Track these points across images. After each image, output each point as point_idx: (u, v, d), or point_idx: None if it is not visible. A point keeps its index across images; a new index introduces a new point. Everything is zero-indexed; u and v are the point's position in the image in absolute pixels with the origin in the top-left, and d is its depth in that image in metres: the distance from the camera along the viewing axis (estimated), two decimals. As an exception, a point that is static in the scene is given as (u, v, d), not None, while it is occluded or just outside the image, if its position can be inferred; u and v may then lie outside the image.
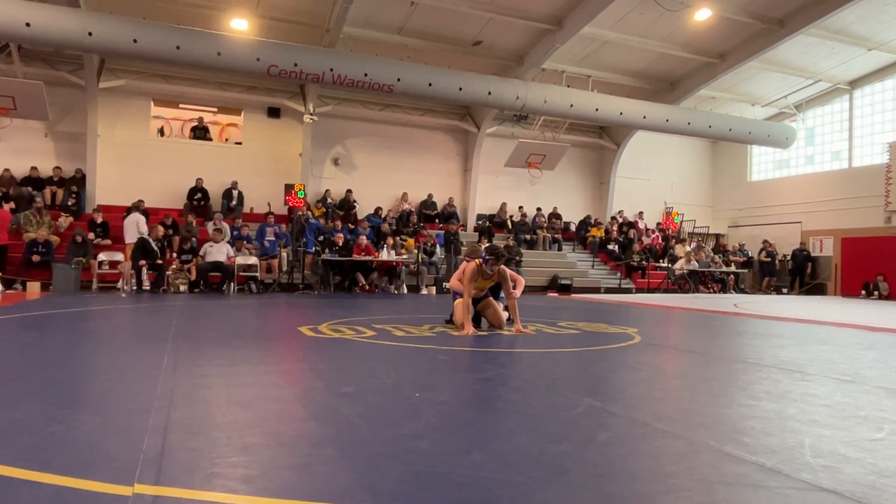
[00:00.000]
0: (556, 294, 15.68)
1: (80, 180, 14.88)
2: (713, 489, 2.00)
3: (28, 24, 11.48)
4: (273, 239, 14.18)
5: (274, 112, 17.03)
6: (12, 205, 13.33)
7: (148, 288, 11.96)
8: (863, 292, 17.56)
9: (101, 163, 15.08)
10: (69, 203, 14.41)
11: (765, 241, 19.98)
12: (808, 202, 20.05)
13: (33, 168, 14.54)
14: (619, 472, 2.15)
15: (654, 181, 21.96)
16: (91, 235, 13.08)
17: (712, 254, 19.32)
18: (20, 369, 3.85)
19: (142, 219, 13.08)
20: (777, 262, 19.67)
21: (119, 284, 12.34)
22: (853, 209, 18.76)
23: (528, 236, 18.49)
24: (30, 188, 14.12)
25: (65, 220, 13.85)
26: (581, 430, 2.66)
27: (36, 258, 12.02)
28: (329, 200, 16.77)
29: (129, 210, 13.76)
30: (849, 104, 19.44)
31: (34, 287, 11.09)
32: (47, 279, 11.63)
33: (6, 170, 14.30)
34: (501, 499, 1.86)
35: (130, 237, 12.77)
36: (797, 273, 19.26)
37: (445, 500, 1.83)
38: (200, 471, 2.03)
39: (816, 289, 19.24)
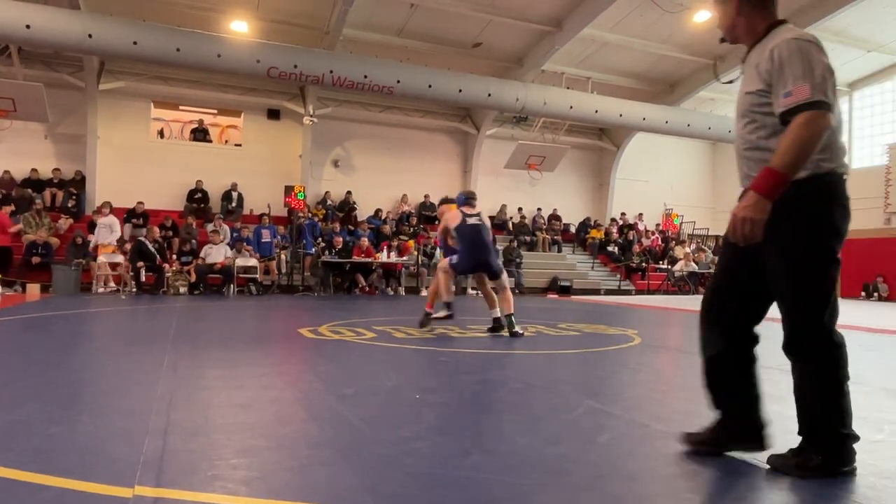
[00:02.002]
0: (555, 296, 15.69)
1: (79, 182, 14.89)
2: (713, 490, 2.00)
3: (28, 26, 11.50)
4: (268, 241, 14.17)
5: (274, 114, 17.04)
6: (12, 207, 13.25)
7: (136, 290, 11.90)
8: (862, 294, 17.57)
9: (100, 165, 15.08)
10: (69, 205, 14.41)
11: None
12: (808, 203, 20.04)
13: (33, 170, 14.55)
14: (620, 473, 2.15)
15: (654, 183, 21.98)
16: (91, 237, 13.07)
17: (712, 255, 19.31)
18: (20, 371, 3.85)
19: (115, 221, 12.81)
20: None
21: (96, 286, 12.13)
22: (853, 210, 18.14)
23: (528, 238, 18.50)
24: (30, 190, 14.12)
25: (64, 222, 13.85)
26: (581, 432, 2.66)
27: (36, 260, 12.02)
28: (329, 202, 16.78)
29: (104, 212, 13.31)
30: (848, 106, 19.44)
31: (34, 289, 11.08)
32: (47, 281, 11.63)
33: (6, 171, 14.30)
34: (502, 500, 1.86)
35: (103, 238, 12.52)
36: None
37: (446, 502, 1.83)
38: (200, 472, 2.03)
39: (816, 290, 19.21)
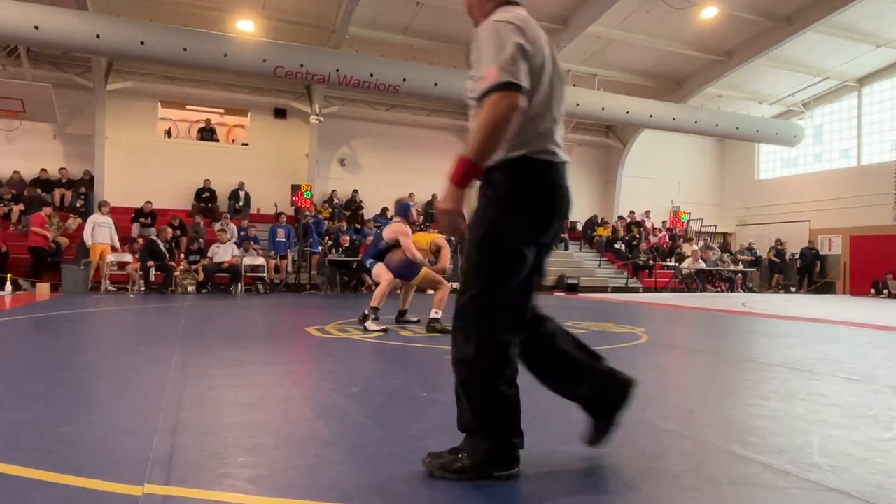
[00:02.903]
0: (562, 293, 15.66)
1: (88, 182, 14.98)
2: (720, 489, 1.99)
3: (37, 27, 11.57)
4: (283, 240, 14.23)
5: (280, 113, 17.09)
6: (50, 210, 13.14)
7: (144, 289, 11.97)
8: (872, 291, 17.45)
9: (109, 164, 15.17)
10: (78, 205, 14.50)
11: (777, 241, 19.87)
12: (817, 200, 19.94)
13: (43, 170, 14.65)
14: (627, 472, 2.15)
15: (661, 180, 21.89)
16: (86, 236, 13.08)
17: (720, 252, 19.23)
18: (31, 371, 3.88)
19: (104, 220, 12.75)
20: (786, 260, 19.57)
21: (103, 285, 12.15)
22: (862, 207, 18.64)
23: (534, 235, 18.45)
24: (39, 190, 14.22)
25: (73, 222, 13.93)
26: (588, 431, 2.65)
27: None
28: (336, 201, 16.82)
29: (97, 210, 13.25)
30: (857, 101, 19.32)
31: (43, 288, 11.16)
32: (56, 280, 11.71)
33: (16, 172, 14.41)
34: (508, 499, 1.87)
35: (102, 237, 12.47)
36: (805, 272, 19.15)
37: (454, 501, 1.84)
38: (209, 471, 2.05)
39: (825, 287, 19.12)
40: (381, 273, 6.47)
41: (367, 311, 6.33)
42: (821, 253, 19.42)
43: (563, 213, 2.07)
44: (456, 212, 1.88)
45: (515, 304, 2.02)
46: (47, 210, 12.76)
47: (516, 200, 1.96)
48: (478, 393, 1.99)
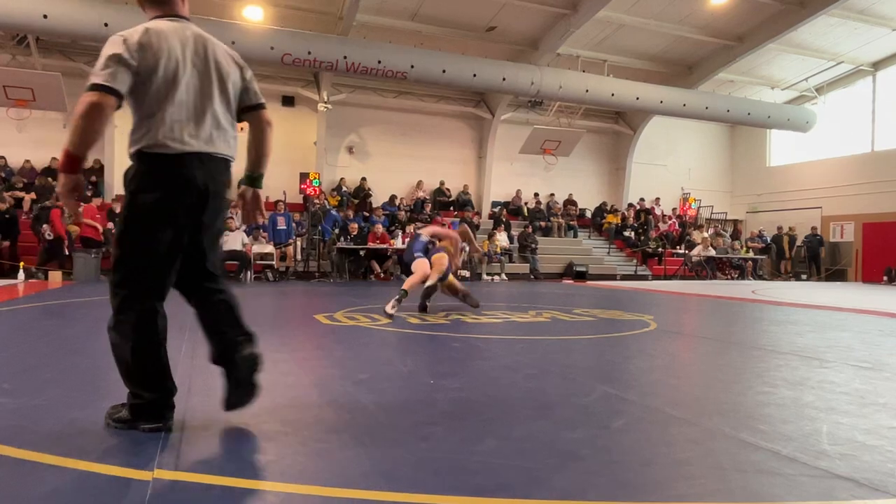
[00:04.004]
0: (571, 281, 15.64)
1: (98, 171, 15.07)
2: (728, 476, 1.99)
3: (45, 16, 11.62)
4: (283, 228, 14.24)
5: (288, 101, 17.07)
6: (94, 197, 13.34)
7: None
8: (884, 278, 17.29)
9: (118, 153, 15.23)
10: (88, 193, 14.58)
11: (779, 228, 19.73)
12: (829, 187, 19.73)
13: (54, 158, 14.70)
14: (634, 458, 2.15)
15: (671, 167, 21.74)
16: (110, 225, 13.23)
17: (730, 240, 19.11)
18: (43, 357, 3.93)
19: None
20: (784, 247, 19.41)
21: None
22: (875, 193, 18.42)
23: (543, 223, 18.44)
24: (50, 179, 14.31)
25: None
26: (595, 417, 2.66)
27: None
28: (344, 189, 16.83)
29: None
30: (872, 86, 19.04)
31: (55, 276, 11.27)
32: (68, 268, 11.81)
33: (27, 161, 14.52)
34: (515, 485, 1.87)
35: None
36: (812, 258, 18.99)
37: (460, 487, 1.85)
38: (218, 457, 2.07)
39: (837, 275, 18.97)
40: (417, 265, 6.77)
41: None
42: (832, 240, 19.25)
43: (194, 196, 2.27)
44: (68, 195, 2.20)
45: (159, 276, 2.32)
46: (97, 201, 12.92)
47: (138, 189, 2.24)
48: (124, 355, 2.27)
